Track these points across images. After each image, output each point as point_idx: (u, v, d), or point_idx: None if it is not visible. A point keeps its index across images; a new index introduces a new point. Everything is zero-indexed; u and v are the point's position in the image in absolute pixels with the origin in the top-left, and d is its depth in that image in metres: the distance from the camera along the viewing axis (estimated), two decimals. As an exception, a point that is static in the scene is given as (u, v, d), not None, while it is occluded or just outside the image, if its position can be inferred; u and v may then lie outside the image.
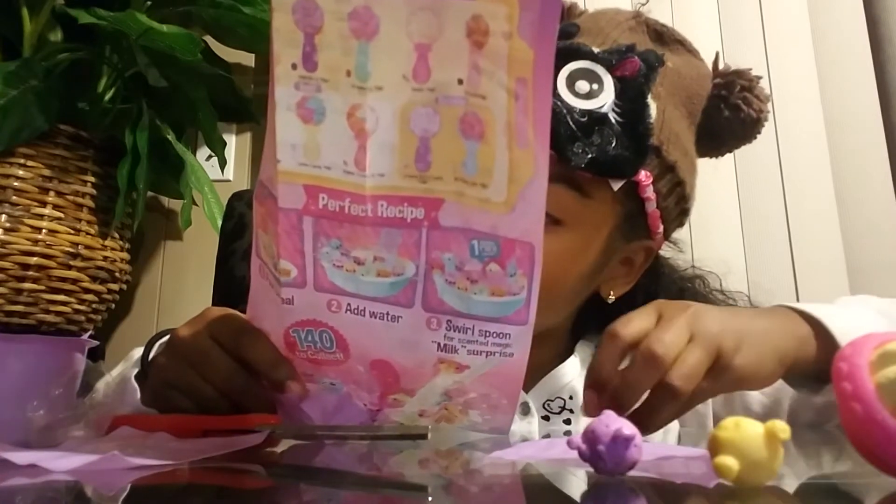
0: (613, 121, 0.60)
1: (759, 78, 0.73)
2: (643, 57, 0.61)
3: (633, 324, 0.49)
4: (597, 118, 0.59)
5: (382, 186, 0.44)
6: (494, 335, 0.47)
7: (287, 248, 0.46)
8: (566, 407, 0.70)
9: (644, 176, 0.64)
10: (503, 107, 0.42)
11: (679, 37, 0.72)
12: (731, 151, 0.77)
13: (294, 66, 0.43)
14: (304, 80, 0.43)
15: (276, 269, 0.47)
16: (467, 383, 0.50)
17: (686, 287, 0.79)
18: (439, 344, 0.48)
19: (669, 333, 0.48)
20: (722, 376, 0.49)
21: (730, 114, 0.71)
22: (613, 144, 0.60)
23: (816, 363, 0.53)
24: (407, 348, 0.48)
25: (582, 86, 0.60)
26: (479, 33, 0.42)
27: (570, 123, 0.59)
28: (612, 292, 0.70)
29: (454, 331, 0.47)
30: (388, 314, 0.47)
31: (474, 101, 0.43)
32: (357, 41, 0.42)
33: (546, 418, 0.70)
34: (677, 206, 0.69)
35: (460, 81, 0.43)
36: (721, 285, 0.81)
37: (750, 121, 0.72)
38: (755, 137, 0.74)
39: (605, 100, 0.60)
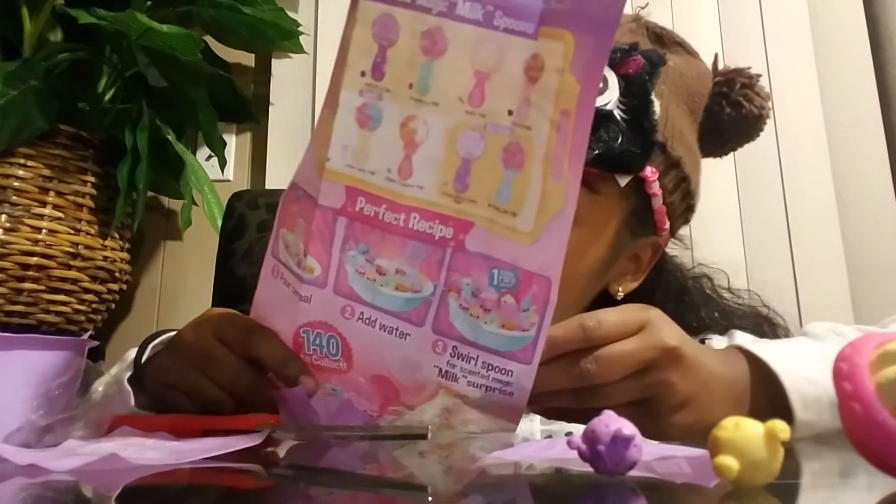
0: (619, 117, 0.60)
1: (759, 76, 0.73)
2: (646, 55, 0.62)
3: (612, 324, 0.47)
4: (602, 115, 0.60)
5: (419, 199, 0.46)
6: (497, 370, 0.47)
7: (316, 246, 0.48)
8: None
9: (650, 172, 0.65)
10: (545, 138, 0.44)
11: (678, 39, 0.73)
12: (734, 150, 0.77)
13: (363, 74, 0.45)
14: (369, 87, 0.46)
15: (299, 265, 0.49)
16: (466, 409, 0.50)
17: (688, 286, 0.79)
18: (441, 369, 0.48)
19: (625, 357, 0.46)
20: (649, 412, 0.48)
21: (732, 111, 0.72)
22: (620, 140, 0.60)
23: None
24: (409, 368, 0.49)
25: None
26: (535, 69, 0.44)
27: None
28: (620, 289, 0.71)
29: (458, 358, 0.47)
30: (397, 329, 0.48)
31: (519, 131, 0.45)
32: (424, 57, 0.45)
33: None
34: (683, 202, 0.70)
35: (510, 112, 0.45)
36: (728, 284, 0.82)
37: (752, 117, 0.72)
38: (758, 135, 0.75)
39: (610, 97, 0.60)
